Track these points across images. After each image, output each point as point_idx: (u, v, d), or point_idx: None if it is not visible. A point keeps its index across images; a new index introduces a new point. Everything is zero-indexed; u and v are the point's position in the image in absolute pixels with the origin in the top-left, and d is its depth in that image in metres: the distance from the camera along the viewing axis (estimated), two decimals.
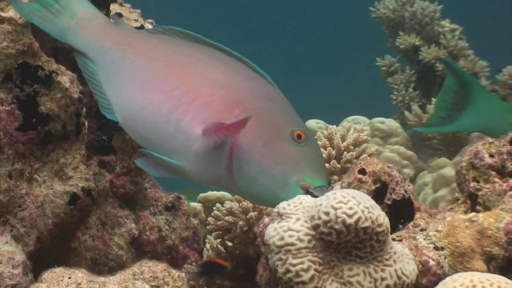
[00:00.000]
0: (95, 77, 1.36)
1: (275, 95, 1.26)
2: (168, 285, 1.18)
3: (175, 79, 1.27)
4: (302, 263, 0.94)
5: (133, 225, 1.62)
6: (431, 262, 1.01)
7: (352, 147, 1.49)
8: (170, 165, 1.26)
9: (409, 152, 2.85)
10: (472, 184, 1.12)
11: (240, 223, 1.46)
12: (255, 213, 1.46)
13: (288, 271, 0.94)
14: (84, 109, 1.44)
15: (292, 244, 0.95)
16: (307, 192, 1.15)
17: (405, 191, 1.12)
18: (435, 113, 1.82)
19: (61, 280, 1.13)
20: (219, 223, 1.50)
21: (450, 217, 1.05)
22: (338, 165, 1.47)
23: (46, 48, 1.46)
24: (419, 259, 1.02)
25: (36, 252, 1.35)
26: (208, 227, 1.57)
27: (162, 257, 1.63)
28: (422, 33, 3.45)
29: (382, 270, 0.95)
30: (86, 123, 1.46)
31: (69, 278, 1.14)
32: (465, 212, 1.11)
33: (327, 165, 1.46)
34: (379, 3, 3.59)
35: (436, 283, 0.98)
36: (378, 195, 1.11)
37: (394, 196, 1.12)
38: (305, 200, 1.00)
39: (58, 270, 1.16)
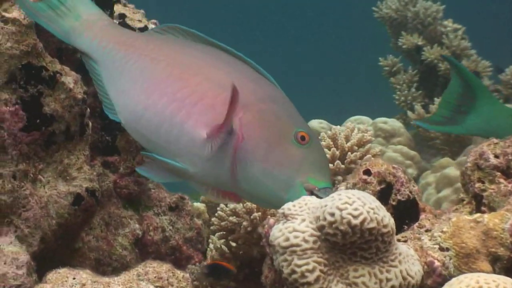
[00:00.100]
0: (99, 78, 1.36)
1: (278, 97, 1.26)
2: (172, 285, 1.17)
3: (178, 80, 1.27)
4: (307, 264, 0.94)
5: (137, 226, 1.62)
6: (436, 263, 1.01)
7: (356, 148, 1.49)
8: (173, 168, 1.25)
9: (412, 152, 2.85)
10: (477, 184, 1.12)
11: (244, 223, 1.46)
12: (259, 213, 1.46)
13: (293, 272, 0.94)
14: (88, 109, 1.44)
15: (297, 245, 0.95)
16: (311, 193, 1.14)
17: (410, 192, 1.12)
18: (437, 112, 1.81)
19: (66, 281, 1.13)
20: (223, 223, 1.50)
21: (455, 218, 1.04)
22: (342, 166, 1.47)
23: (50, 49, 1.46)
24: (424, 260, 1.01)
25: (40, 252, 1.35)
26: (212, 227, 1.57)
27: (165, 258, 1.63)
28: (424, 33, 3.45)
29: (388, 271, 0.95)
30: (90, 124, 1.46)
31: (74, 278, 1.13)
32: (470, 213, 1.11)
33: (331, 165, 1.46)
34: (381, 3, 3.58)
35: (441, 284, 0.98)
36: (383, 195, 1.11)
37: (399, 197, 1.12)
38: (310, 201, 0.99)
39: (63, 270, 1.15)
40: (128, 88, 1.31)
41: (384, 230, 0.94)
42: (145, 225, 1.65)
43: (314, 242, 0.95)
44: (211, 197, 1.32)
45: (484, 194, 1.11)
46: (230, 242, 1.52)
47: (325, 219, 0.94)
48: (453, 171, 2.50)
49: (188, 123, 1.23)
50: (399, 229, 1.08)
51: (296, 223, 0.97)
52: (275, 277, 1.00)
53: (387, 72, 3.50)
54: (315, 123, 2.93)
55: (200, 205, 2.18)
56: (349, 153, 1.48)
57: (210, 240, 1.83)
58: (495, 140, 1.14)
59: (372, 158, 1.47)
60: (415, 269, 0.97)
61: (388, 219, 0.95)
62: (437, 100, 3.04)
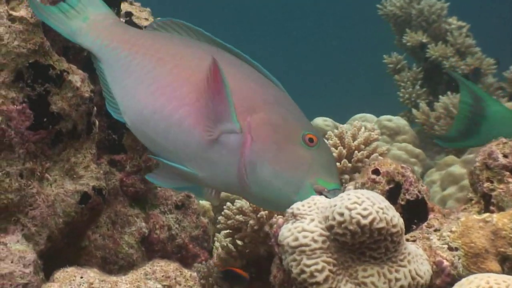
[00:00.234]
0: (103, 76, 1.36)
1: (285, 100, 1.26)
2: (180, 284, 1.17)
3: (186, 84, 1.26)
4: (316, 263, 0.94)
5: (143, 224, 1.62)
6: (445, 263, 1.01)
7: (363, 146, 1.49)
8: (182, 173, 1.25)
9: (417, 150, 2.85)
10: (486, 184, 1.11)
11: (251, 222, 1.46)
12: (266, 212, 1.45)
13: (302, 271, 0.94)
14: (95, 108, 1.44)
15: (306, 245, 0.95)
16: (321, 195, 1.14)
17: (419, 192, 1.12)
18: (454, 127, 1.81)
19: (73, 280, 1.13)
20: (229, 222, 1.50)
21: (464, 218, 1.04)
22: (349, 164, 1.47)
23: (57, 47, 1.46)
24: (433, 259, 1.01)
25: (47, 251, 1.35)
26: (218, 226, 1.57)
27: (172, 256, 1.63)
28: (429, 30, 3.44)
29: (397, 271, 0.95)
30: (97, 122, 1.46)
31: (81, 277, 1.13)
32: (479, 213, 1.11)
33: (338, 164, 1.46)
34: (386, 0, 3.58)
35: (450, 284, 0.98)
36: (392, 195, 1.11)
37: (407, 197, 1.12)
38: (319, 200, 0.99)
39: (70, 269, 1.15)
40: (134, 89, 1.31)
41: (393, 230, 0.94)
42: (151, 224, 1.65)
43: (323, 242, 0.95)
44: (214, 201, 1.32)
45: (493, 193, 1.11)
46: (237, 240, 1.52)
47: (334, 219, 0.94)
48: (458, 169, 2.50)
49: (196, 128, 1.23)
50: (408, 228, 1.08)
51: (305, 222, 0.96)
52: (284, 277, 1.00)
53: (391, 70, 3.50)
54: (319, 121, 2.93)
55: (205, 203, 2.18)
56: (356, 151, 1.48)
57: (215, 238, 1.83)
58: (504, 140, 1.14)
59: (380, 157, 1.47)
60: (424, 269, 0.97)
61: (397, 219, 0.94)
62: (441, 98, 3.04)
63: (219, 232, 1.82)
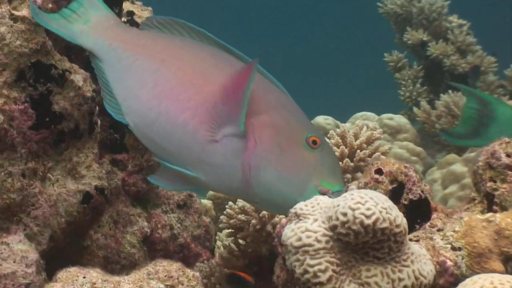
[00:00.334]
0: (104, 76, 1.35)
1: (288, 103, 1.26)
2: (182, 284, 1.17)
3: (191, 87, 1.26)
4: (320, 264, 0.94)
5: (145, 223, 1.62)
6: (449, 263, 1.01)
7: (365, 146, 1.49)
8: (185, 177, 1.25)
9: (418, 149, 2.85)
10: (489, 184, 1.11)
11: (253, 221, 1.46)
12: None
13: (306, 272, 0.94)
14: (97, 107, 1.44)
15: (309, 245, 0.95)
16: None
17: (422, 191, 1.12)
18: (460, 125, 1.81)
19: (76, 280, 1.13)
20: (231, 221, 1.50)
21: (467, 217, 1.04)
22: (351, 164, 1.47)
23: (59, 47, 1.45)
24: (437, 259, 1.01)
25: (49, 251, 1.35)
26: (220, 225, 1.57)
27: (174, 255, 1.63)
28: (429, 28, 3.45)
29: (400, 271, 0.95)
30: (99, 122, 1.46)
31: (84, 277, 1.13)
32: (482, 212, 1.10)
33: (340, 163, 1.46)
34: None
35: (454, 284, 0.98)
36: (395, 195, 1.11)
37: (411, 196, 1.12)
38: (323, 200, 0.99)
39: (73, 269, 1.15)
40: (137, 90, 1.30)
41: (397, 230, 0.94)
42: (153, 223, 1.65)
43: (327, 242, 0.95)
44: None
45: (496, 193, 1.10)
46: (239, 240, 1.52)
47: (337, 219, 0.94)
48: (459, 168, 2.50)
49: (200, 131, 1.23)
50: (411, 228, 1.08)
51: (309, 222, 0.96)
52: (287, 277, 0.99)
53: (392, 68, 3.50)
54: (321, 120, 2.93)
55: (207, 202, 2.18)
56: (358, 151, 1.48)
57: (217, 237, 1.83)
58: (507, 139, 1.13)
59: (382, 156, 1.47)
60: (428, 269, 0.97)
61: (401, 219, 0.94)
62: (442, 96, 3.04)
63: (220, 231, 1.82)
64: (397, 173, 1.12)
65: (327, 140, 1.48)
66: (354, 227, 0.93)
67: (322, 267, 0.94)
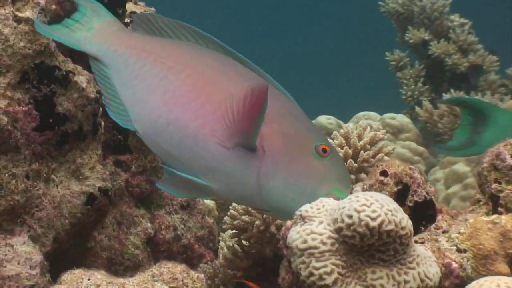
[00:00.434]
0: (109, 82, 1.34)
1: (296, 111, 1.26)
2: (187, 286, 1.17)
3: (201, 95, 1.25)
4: (325, 266, 0.94)
5: (149, 225, 1.62)
6: (454, 265, 1.00)
7: (368, 146, 1.49)
8: (196, 184, 1.25)
9: (421, 148, 2.85)
10: (494, 185, 1.11)
11: (257, 222, 1.46)
12: None
13: (311, 274, 0.94)
14: (101, 109, 1.43)
15: (315, 247, 0.95)
16: None
17: (427, 193, 1.12)
18: (455, 138, 1.82)
19: (81, 282, 1.13)
20: (235, 222, 1.49)
21: (472, 219, 1.04)
22: (355, 164, 1.47)
23: (63, 48, 1.45)
24: (442, 261, 1.01)
25: (53, 252, 1.35)
26: (224, 226, 1.56)
27: (177, 256, 1.63)
28: (431, 27, 3.44)
29: (405, 273, 0.95)
30: (103, 123, 1.46)
31: (89, 279, 1.13)
32: (487, 214, 1.10)
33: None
34: None
35: (459, 286, 0.98)
36: (400, 197, 1.11)
37: (415, 198, 1.12)
38: (328, 203, 0.99)
39: (78, 271, 1.15)
40: (146, 97, 1.29)
41: (402, 232, 0.93)
42: (157, 224, 1.65)
43: (332, 244, 0.95)
44: None
45: (501, 195, 1.10)
46: (243, 241, 1.51)
47: (343, 221, 0.94)
48: (462, 167, 2.50)
49: (211, 140, 1.22)
50: (416, 230, 1.08)
51: (314, 225, 0.96)
52: (292, 279, 0.99)
53: (393, 67, 3.50)
54: (323, 119, 2.93)
55: (210, 202, 2.18)
56: (361, 151, 1.48)
57: (220, 238, 1.83)
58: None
59: (385, 157, 1.47)
60: (433, 271, 0.97)
61: (406, 221, 0.94)
62: (444, 96, 3.03)
63: (223, 232, 1.81)
64: (402, 175, 1.12)
65: (331, 141, 1.48)
66: (360, 229, 0.92)
67: (328, 269, 0.93)
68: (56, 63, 1.35)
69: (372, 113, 3.10)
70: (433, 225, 1.09)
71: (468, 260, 1.01)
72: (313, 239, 0.95)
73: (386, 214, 0.93)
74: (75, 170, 1.39)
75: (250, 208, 1.48)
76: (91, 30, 1.36)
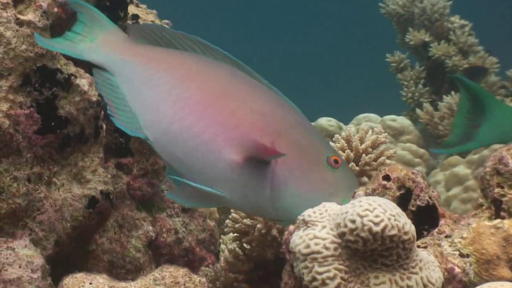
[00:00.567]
0: (115, 90, 1.32)
1: (305, 123, 1.27)
2: None
3: (214, 104, 1.25)
4: (328, 271, 0.94)
5: (150, 228, 1.62)
6: (457, 270, 1.00)
7: (370, 149, 1.49)
8: (208, 194, 1.24)
9: (421, 150, 2.85)
10: (497, 190, 1.11)
11: (258, 225, 1.46)
12: None
13: (314, 279, 0.94)
14: (102, 112, 1.43)
15: (318, 252, 0.95)
16: None
17: (430, 197, 1.12)
18: (452, 133, 1.81)
19: (82, 286, 1.13)
20: (237, 225, 1.49)
21: (475, 224, 1.04)
22: (357, 168, 1.47)
23: None
24: (445, 266, 1.01)
25: (55, 255, 1.35)
26: (225, 229, 1.56)
27: (179, 259, 1.63)
28: (431, 29, 3.44)
29: (408, 278, 0.95)
30: (104, 126, 1.46)
31: (90, 283, 1.13)
32: (489, 218, 1.10)
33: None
34: None
35: None
36: (403, 201, 1.10)
37: (418, 203, 1.11)
38: (331, 207, 0.99)
39: (79, 275, 1.15)
40: (157, 104, 1.27)
41: (405, 237, 0.93)
42: (158, 227, 1.64)
43: (335, 249, 0.95)
44: None
45: (504, 199, 1.10)
46: (244, 244, 1.51)
47: (346, 226, 0.94)
48: (462, 170, 2.50)
49: (225, 149, 1.22)
50: (419, 235, 1.07)
51: (317, 229, 0.96)
52: (295, 284, 0.99)
53: (394, 68, 3.50)
54: (323, 121, 2.92)
55: None
56: (363, 155, 1.48)
57: (221, 241, 1.83)
58: None
59: (388, 161, 1.47)
60: (436, 276, 0.97)
61: (409, 226, 0.94)
62: (445, 98, 3.04)
63: (224, 234, 1.81)
64: (405, 179, 1.12)
65: (333, 144, 1.48)
66: (363, 234, 0.92)
67: (331, 274, 0.93)
68: (58, 66, 1.35)
69: (372, 115, 3.10)
70: (436, 230, 1.09)
71: (471, 265, 1.00)
72: (316, 244, 0.95)
73: (389, 219, 0.93)
74: (76, 173, 1.39)
75: None
76: (95, 41, 1.34)
